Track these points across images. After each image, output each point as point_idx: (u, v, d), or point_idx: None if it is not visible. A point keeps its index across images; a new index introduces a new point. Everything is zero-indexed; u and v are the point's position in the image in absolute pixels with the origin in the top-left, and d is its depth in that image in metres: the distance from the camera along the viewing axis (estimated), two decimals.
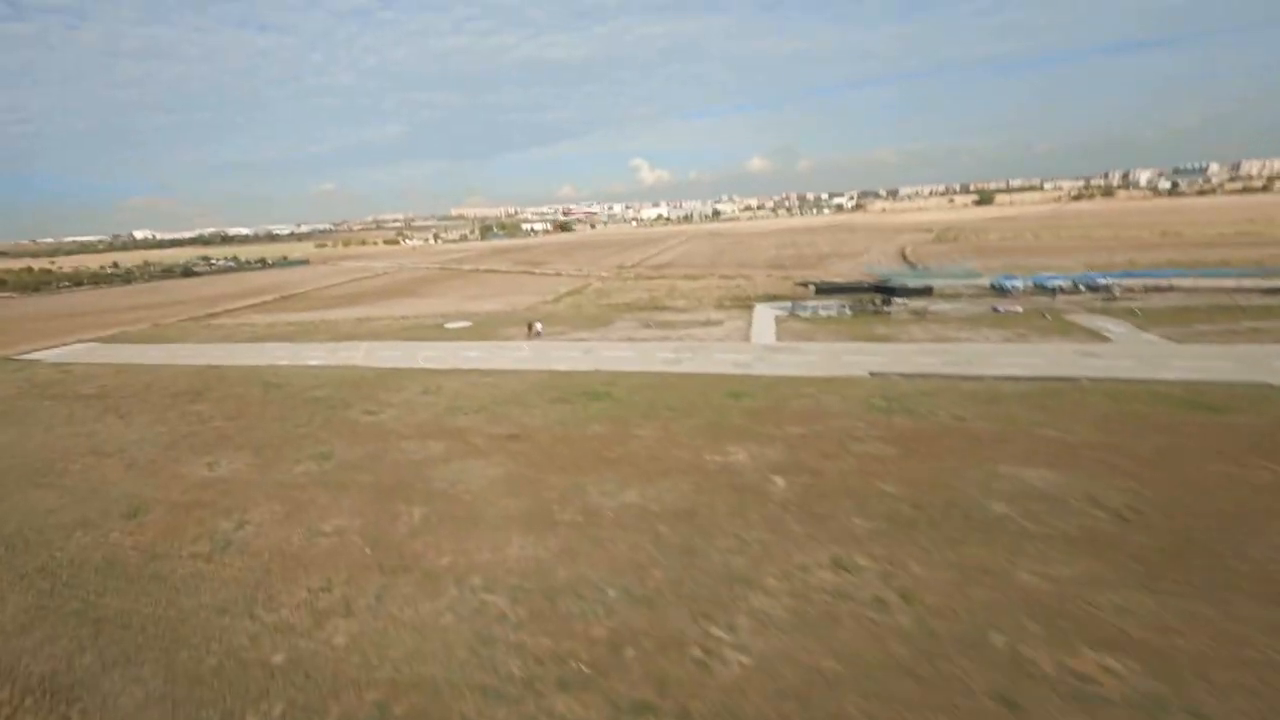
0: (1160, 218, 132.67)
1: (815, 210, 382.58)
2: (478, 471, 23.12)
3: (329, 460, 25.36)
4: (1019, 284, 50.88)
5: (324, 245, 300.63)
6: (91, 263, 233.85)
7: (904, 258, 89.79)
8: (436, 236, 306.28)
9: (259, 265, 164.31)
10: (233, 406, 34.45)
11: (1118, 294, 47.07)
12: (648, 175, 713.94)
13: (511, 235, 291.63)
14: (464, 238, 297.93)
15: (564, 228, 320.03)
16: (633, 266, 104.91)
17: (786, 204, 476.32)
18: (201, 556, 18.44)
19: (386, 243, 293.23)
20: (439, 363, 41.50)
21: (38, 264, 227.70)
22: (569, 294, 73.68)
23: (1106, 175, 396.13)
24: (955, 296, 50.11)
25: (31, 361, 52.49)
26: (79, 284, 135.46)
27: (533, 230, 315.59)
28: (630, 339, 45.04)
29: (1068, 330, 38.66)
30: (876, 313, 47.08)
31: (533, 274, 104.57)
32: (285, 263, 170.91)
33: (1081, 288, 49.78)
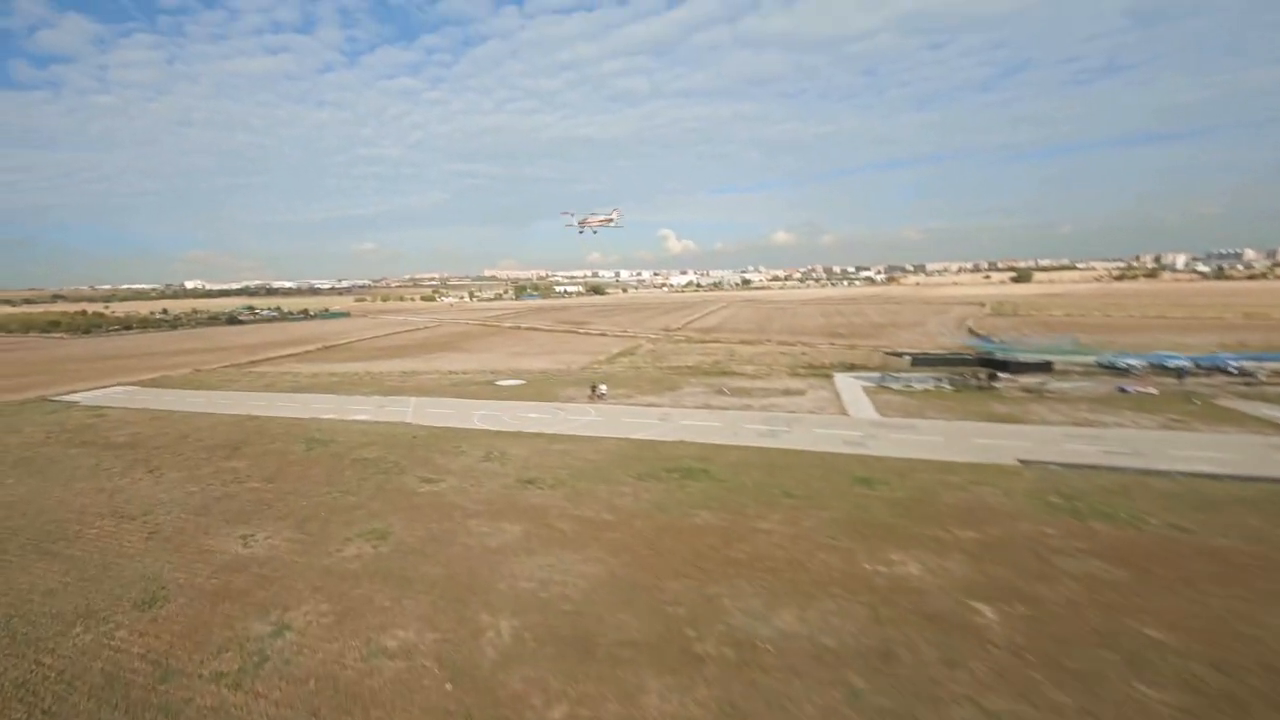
0: (1226, 299, 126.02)
1: (845, 282, 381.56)
2: (572, 569, 18.40)
3: (385, 541, 20.93)
4: (1135, 363, 45.51)
5: (363, 299, 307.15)
6: (143, 309, 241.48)
7: (971, 331, 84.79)
8: (472, 295, 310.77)
9: (301, 316, 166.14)
10: (273, 464, 30.56)
11: (1262, 378, 41.40)
12: (674, 244, 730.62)
13: (546, 296, 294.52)
14: (499, 296, 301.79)
15: (597, 290, 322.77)
16: (679, 329, 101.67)
17: (814, 275, 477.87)
18: (227, 680, 13.85)
19: (423, 299, 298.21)
20: (497, 424, 37.43)
21: (93, 308, 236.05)
22: (621, 354, 70.06)
23: (1138, 257, 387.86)
24: (1065, 374, 44.87)
25: (68, 404, 49.99)
26: (128, 328, 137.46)
27: (566, 292, 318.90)
28: (707, 406, 40.58)
29: (1235, 419, 33.08)
30: (981, 388, 42.03)
31: (577, 333, 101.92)
32: (327, 314, 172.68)
33: (1208, 369, 44.20)
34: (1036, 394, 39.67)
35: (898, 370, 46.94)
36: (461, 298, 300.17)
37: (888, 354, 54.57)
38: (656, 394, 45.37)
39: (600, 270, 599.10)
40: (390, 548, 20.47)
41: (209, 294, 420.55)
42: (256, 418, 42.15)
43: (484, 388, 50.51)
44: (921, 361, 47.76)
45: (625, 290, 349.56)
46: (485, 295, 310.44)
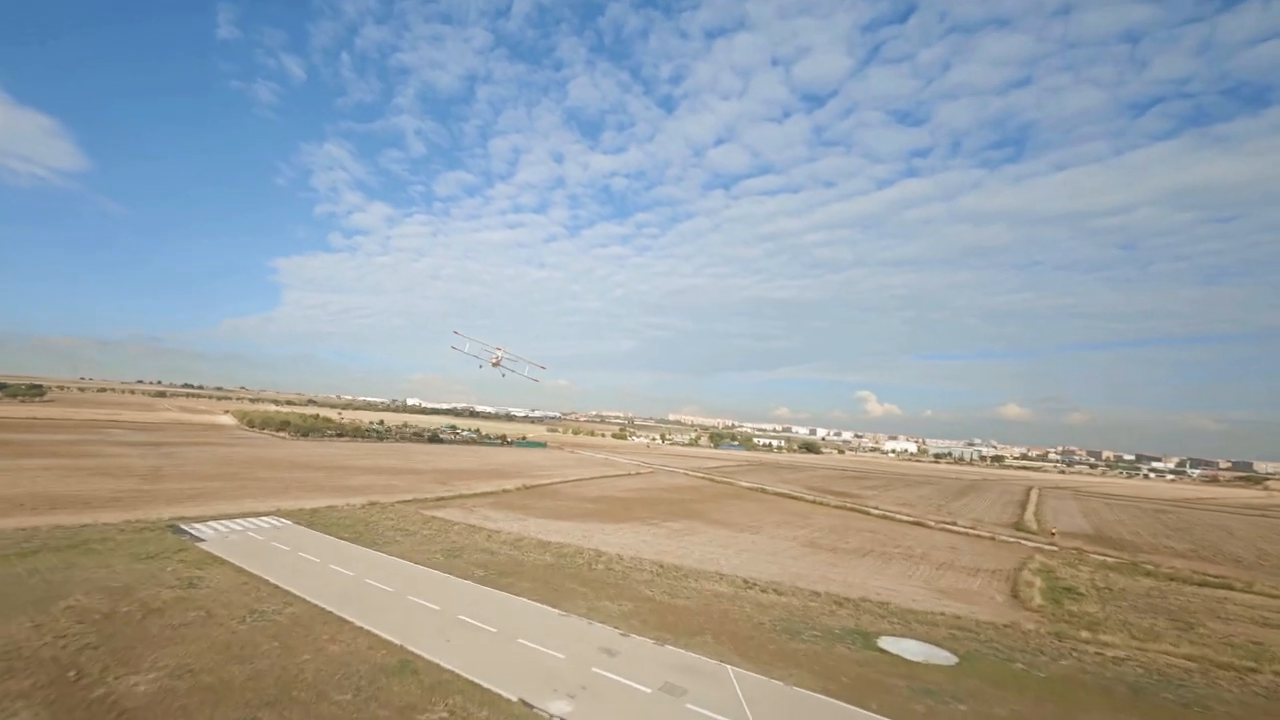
0: None
1: (1140, 475, 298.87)
2: None
3: None
4: None
5: (555, 430, 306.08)
6: (366, 417, 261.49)
7: None
8: (664, 437, 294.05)
9: (498, 441, 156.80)
10: None
11: None
12: (875, 407, 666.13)
13: (750, 448, 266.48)
14: (694, 441, 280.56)
15: (810, 448, 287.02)
16: (1046, 533, 65.59)
17: (1071, 459, 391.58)
18: None
19: (614, 436, 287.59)
20: None
21: (328, 412, 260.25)
22: (1038, 573, 37.86)
23: None
24: None
25: (188, 541, 31.43)
26: (341, 435, 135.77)
27: (770, 445, 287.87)
28: None
29: None
30: None
31: (867, 514, 70.65)
32: (524, 443, 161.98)
33: None
34: None
35: None
36: (653, 439, 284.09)
37: None
38: None
39: (793, 426, 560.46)
40: None
41: (423, 410, 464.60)
42: (414, 656, 18.08)
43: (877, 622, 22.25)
44: None
45: (841, 452, 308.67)
46: (678, 439, 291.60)
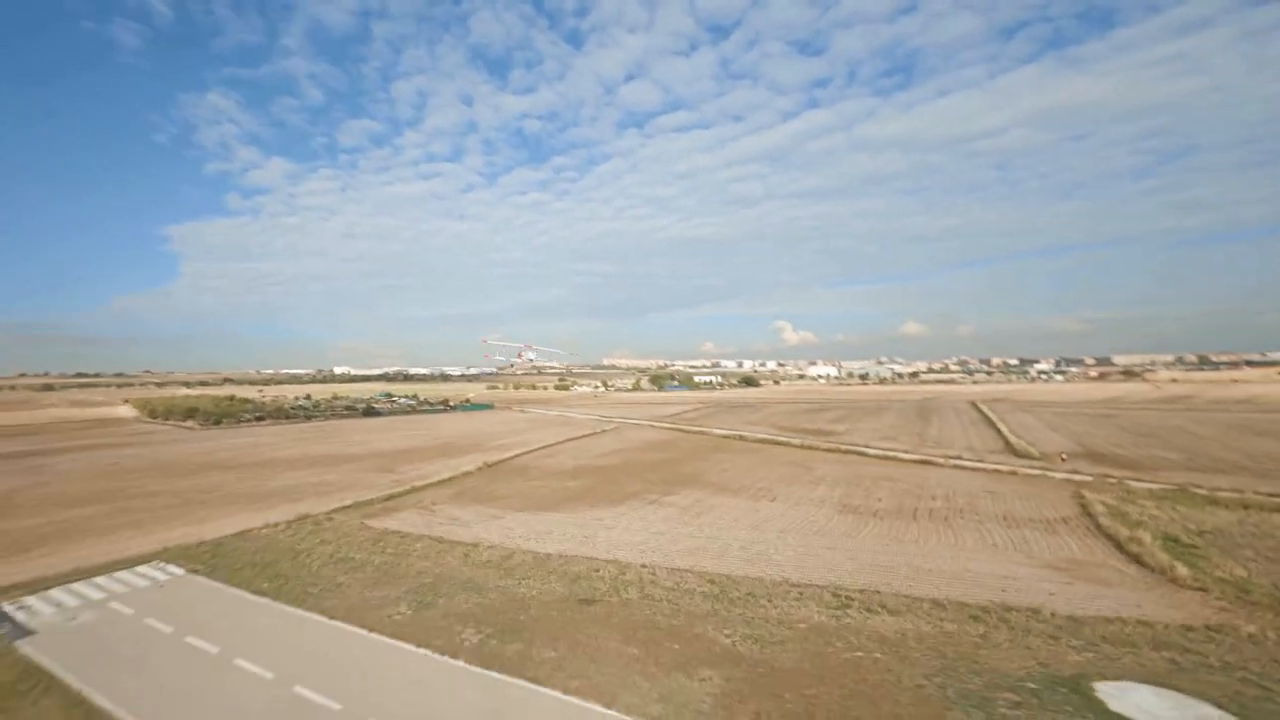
0: None
1: (1028, 377, 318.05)
2: None
3: None
4: None
5: (496, 387, 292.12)
6: (292, 391, 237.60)
7: None
8: (606, 384, 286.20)
9: (441, 407, 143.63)
10: None
11: None
12: (792, 336, 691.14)
13: (692, 387, 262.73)
14: (637, 385, 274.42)
15: (750, 381, 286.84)
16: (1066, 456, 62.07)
17: (969, 368, 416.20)
18: None
19: (556, 388, 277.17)
20: None
21: (246, 392, 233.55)
22: (1117, 518, 32.26)
23: None
24: None
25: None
26: (261, 419, 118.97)
27: (710, 383, 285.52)
28: None
29: None
30: None
31: (864, 455, 65.15)
32: (469, 406, 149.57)
33: None
34: None
35: None
36: (597, 387, 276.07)
37: None
38: None
39: (721, 360, 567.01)
40: None
41: (354, 378, 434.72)
42: None
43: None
44: None
45: (776, 382, 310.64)
46: (620, 384, 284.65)
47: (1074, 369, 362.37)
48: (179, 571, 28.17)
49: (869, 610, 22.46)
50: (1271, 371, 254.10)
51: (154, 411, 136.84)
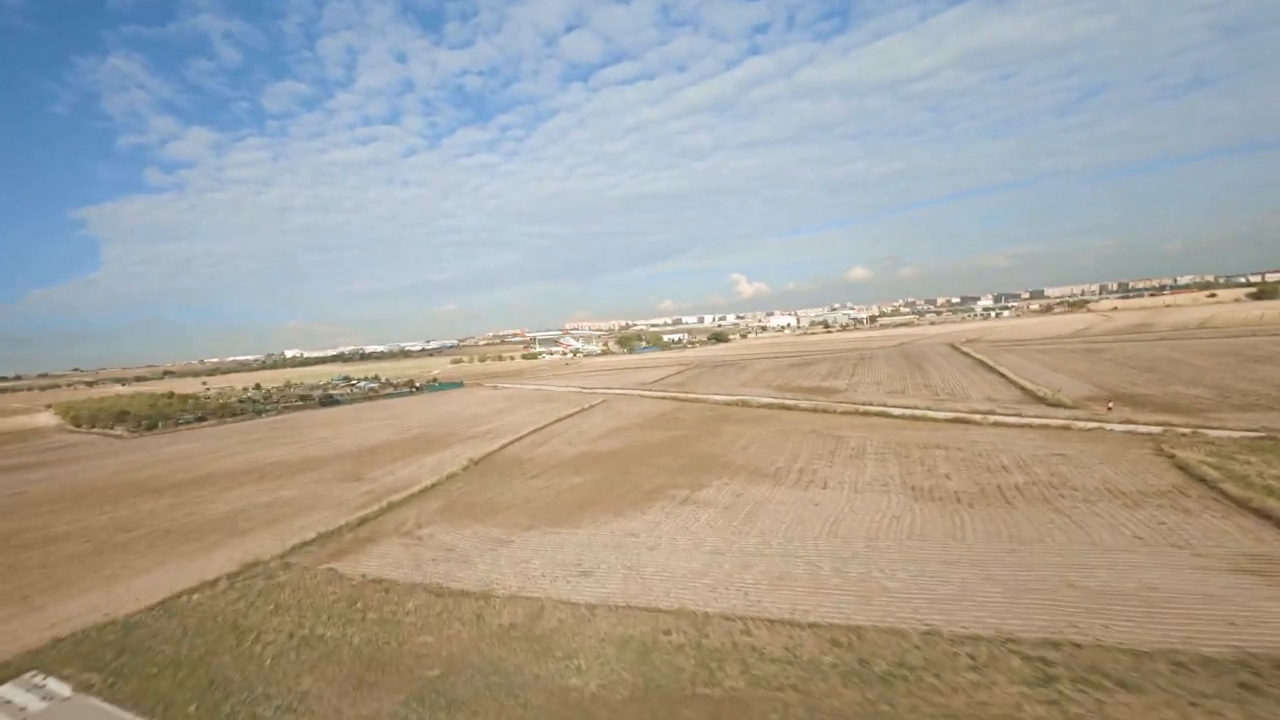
0: None
1: (975, 315, 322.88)
2: None
3: None
4: None
5: (459, 361, 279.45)
6: (240, 381, 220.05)
7: None
8: (574, 351, 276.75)
9: (407, 390, 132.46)
10: None
11: None
12: (746, 288, 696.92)
13: (663, 347, 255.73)
14: (606, 350, 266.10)
15: (719, 338, 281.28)
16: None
17: (917, 309, 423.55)
18: None
19: (524, 358, 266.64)
20: None
21: (189, 386, 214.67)
22: (1236, 481, 26.61)
23: (1263, 275, 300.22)
24: None
25: None
26: (203, 419, 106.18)
27: (679, 341, 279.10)
28: None
29: None
30: None
31: (888, 416, 59.13)
32: (437, 386, 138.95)
33: None
34: None
35: None
36: (564, 354, 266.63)
37: None
38: None
39: (681, 317, 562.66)
40: None
41: (306, 362, 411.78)
42: None
43: None
44: None
45: (744, 336, 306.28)
46: (591, 349, 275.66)
47: (1014, 304, 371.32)
48: (64, 691, 19.51)
49: (1086, 683, 15.68)
50: (1199, 295, 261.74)
51: (78, 418, 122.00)
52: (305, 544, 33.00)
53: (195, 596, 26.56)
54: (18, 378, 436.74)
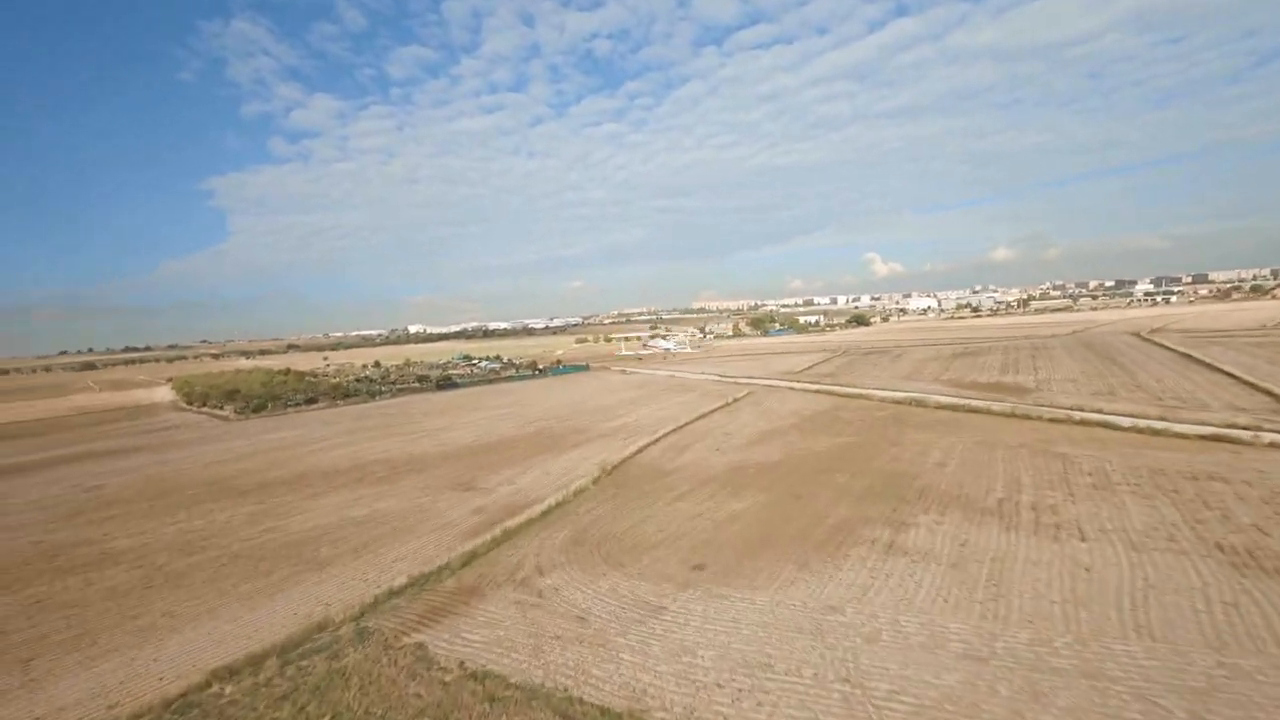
0: None
1: (1136, 300, 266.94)
2: None
3: None
4: None
5: (584, 340, 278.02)
6: (361, 357, 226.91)
7: None
8: (703, 330, 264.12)
9: (529, 374, 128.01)
10: None
11: None
12: (881, 268, 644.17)
13: (799, 330, 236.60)
14: (738, 332, 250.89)
15: (860, 320, 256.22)
16: None
17: (1068, 292, 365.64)
18: None
19: (651, 338, 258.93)
20: None
21: (311, 361, 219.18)
22: None
23: None
24: None
25: None
26: (314, 400, 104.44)
27: (817, 324, 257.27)
28: None
29: None
30: None
31: (1116, 428, 42.58)
32: (561, 369, 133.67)
33: None
34: None
35: None
36: (691, 335, 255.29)
37: None
38: None
39: (813, 298, 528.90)
40: None
41: (429, 338, 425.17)
42: None
43: None
44: None
45: (885, 319, 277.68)
46: (721, 329, 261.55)
47: (1178, 289, 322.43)
48: None
49: None
50: None
51: (191, 396, 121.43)
52: (393, 593, 24.90)
53: (229, 689, 18.45)
54: (148, 348, 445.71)
